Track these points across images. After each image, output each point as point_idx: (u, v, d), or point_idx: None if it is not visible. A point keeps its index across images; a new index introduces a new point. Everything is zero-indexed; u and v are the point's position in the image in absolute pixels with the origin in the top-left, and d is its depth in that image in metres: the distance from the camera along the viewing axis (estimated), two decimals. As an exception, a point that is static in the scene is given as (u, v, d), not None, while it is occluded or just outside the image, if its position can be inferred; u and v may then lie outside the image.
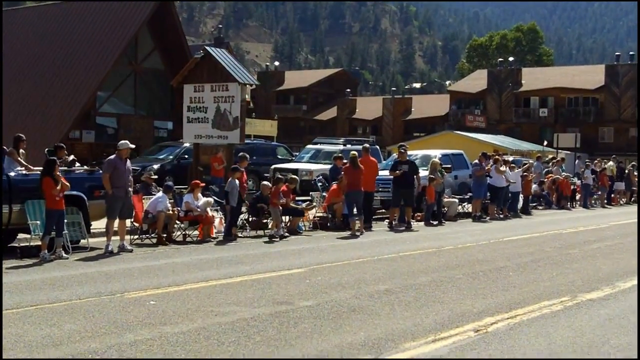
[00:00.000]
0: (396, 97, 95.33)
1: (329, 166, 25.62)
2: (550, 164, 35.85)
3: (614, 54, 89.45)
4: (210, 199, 19.05)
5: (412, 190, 22.89)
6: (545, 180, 32.88)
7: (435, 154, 28.61)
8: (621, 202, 37.30)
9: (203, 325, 8.77)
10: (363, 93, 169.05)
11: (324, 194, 23.02)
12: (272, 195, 19.29)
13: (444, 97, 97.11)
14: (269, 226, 19.64)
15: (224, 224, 18.80)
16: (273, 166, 29.88)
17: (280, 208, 19.25)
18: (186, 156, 29.04)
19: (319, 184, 25.60)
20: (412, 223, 22.50)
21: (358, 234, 19.70)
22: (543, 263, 14.54)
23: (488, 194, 26.55)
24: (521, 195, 28.68)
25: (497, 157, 27.83)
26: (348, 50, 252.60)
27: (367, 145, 24.50)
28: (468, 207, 26.87)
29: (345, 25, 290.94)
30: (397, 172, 22.60)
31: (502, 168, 26.70)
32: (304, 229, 20.57)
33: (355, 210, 20.49)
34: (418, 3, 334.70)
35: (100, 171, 16.26)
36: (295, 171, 27.02)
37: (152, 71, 45.20)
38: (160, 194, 17.95)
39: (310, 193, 23.71)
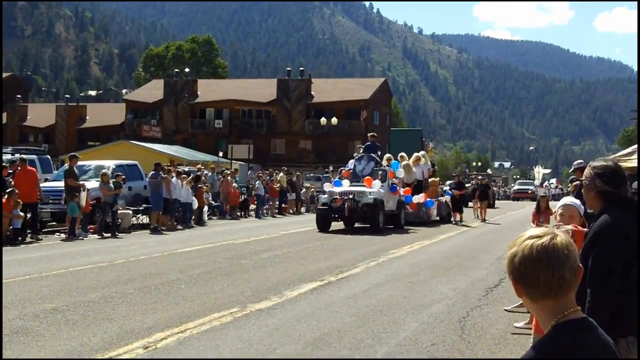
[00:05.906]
0: (70, 104, 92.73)
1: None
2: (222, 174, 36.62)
3: (285, 69, 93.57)
4: None
5: None
6: (220, 190, 33.55)
7: (109, 164, 28.11)
8: (291, 212, 38.99)
9: None
10: (35, 99, 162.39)
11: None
12: None
13: (120, 105, 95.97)
14: None
15: None
16: None
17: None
18: None
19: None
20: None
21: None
22: (215, 274, 14.70)
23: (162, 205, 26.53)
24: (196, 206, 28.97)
25: (170, 167, 27.93)
26: (19, 55, 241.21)
27: (23, 156, 24.29)
28: (143, 219, 26.64)
29: (17, 28, 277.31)
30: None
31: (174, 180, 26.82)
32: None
33: None
34: (94, 9, 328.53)
35: None
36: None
37: None
38: None
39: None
